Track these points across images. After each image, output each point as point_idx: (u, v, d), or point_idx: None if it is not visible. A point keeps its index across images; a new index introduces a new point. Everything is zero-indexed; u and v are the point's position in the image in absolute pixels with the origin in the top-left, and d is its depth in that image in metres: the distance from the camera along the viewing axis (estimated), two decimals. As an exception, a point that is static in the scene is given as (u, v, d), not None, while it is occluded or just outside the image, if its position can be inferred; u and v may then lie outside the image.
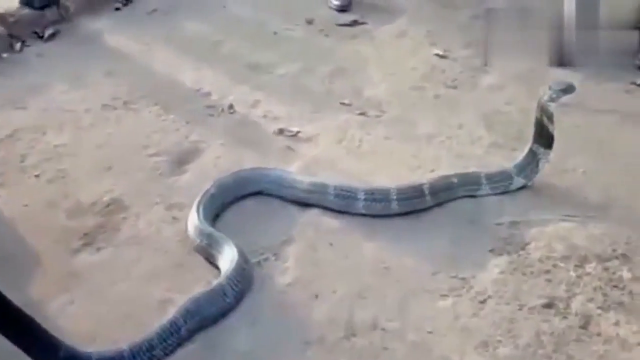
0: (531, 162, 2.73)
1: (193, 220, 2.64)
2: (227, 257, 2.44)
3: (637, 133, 3.01)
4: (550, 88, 2.68)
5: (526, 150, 2.74)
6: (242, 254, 2.45)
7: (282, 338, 2.18)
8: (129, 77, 3.80)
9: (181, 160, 3.11)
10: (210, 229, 2.58)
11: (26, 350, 1.99)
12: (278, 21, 4.34)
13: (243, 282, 2.36)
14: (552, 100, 2.66)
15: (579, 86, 3.35)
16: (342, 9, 4.33)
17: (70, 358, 2.07)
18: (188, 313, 2.23)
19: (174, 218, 2.75)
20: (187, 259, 2.55)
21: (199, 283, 2.42)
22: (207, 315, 2.25)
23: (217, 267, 2.47)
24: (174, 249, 2.61)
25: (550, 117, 2.69)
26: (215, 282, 2.36)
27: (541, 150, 2.72)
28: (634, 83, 3.34)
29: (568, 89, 2.69)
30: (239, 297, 2.33)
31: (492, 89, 3.43)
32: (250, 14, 4.48)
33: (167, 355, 2.17)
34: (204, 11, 4.51)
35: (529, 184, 2.72)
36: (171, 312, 2.24)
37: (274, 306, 2.31)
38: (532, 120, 2.73)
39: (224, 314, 2.29)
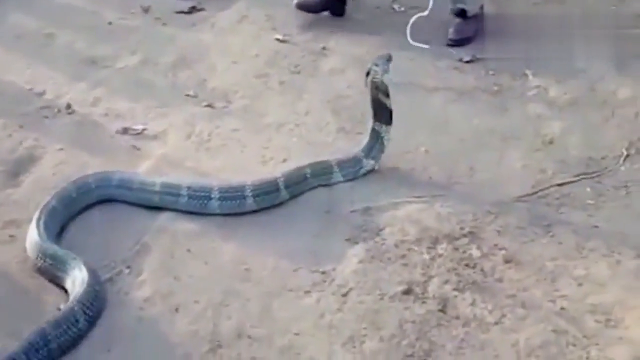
0: (376, 141, 2.59)
1: (33, 238, 2.24)
2: (76, 277, 2.08)
3: (468, 109, 2.94)
4: (375, 64, 2.56)
5: (369, 131, 2.60)
6: (92, 272, 2.10)
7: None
8: (-52, 78, 3.23)
9: (16, 170, 2.65)
10: (53, 247, 2.19)
11: None
12: (112, 10, 3.86)
13: (96, 303, 2.01)
14: (384, 72, 2.55)
15: (411, 64, 3.36)
16: None
17: None
18: (31, 346, 1.87)
19: (11, 236, 2.33)
20: (30, 283, 2.16)
21: (48, 309, 2.06)
22: (55, 347, 1.90)
23: (65, 290, 2.12)
24: (13, 272, 2.20)
25: (385, 92, 2.56)
26: (64, 308, 2.01)
27: (383, 127, 2.59)
28: (460, 60, 3.31)
29: (389, 58, 2.61)
30: (93, 322, 1.99)
31: (333, 73, 3.23)
32: (81, 3, 3.95)
33: None
34: (32, 2, 3.91)
35: (378, 163, 2.60)
36: (13, 347, 1.87)
37: (132, 326, 1.99)
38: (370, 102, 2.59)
39: (75, 342, 1.94)
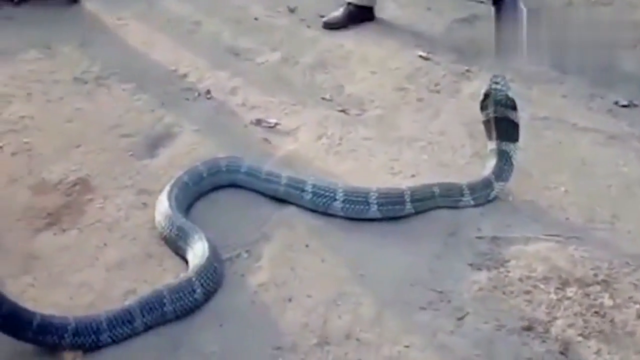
0: (505, 162, 2.64)
1: (163, 208, 2.46)
2: (198, 251, 2.27)
3: (617, 155, 2.92)
4: (495, 82, 2.65)
5: (495, 152, 2.65)
6: (213, 249, 2.28)
7: (251, 342, 2.02)
8: (103, 51, 3.56)
9: (154, 143, 2.92)
10: (180, 219, 2.40)
11: None
12: (259, 6, 4.15)
13: (214, 279, 2.19)
14: (508, 88, 2.64)
15: (562, 101, 3.37)
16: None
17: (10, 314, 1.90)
18: (146, 304, 2.06)
19: (144, 204, 2.56)
20: (155, 249, 2.37)
21: (168, 275, 2.25)
22: (169, 310, 2.08)
23: (186, 261, 2.31)
24: (142, 237, 2.42)
25: (513, 106, 2.63)
26: (182, 276, 2.19)
27: (511, 146, 2.64)
28: (616, 103, 3.28)
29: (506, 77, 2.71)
30: (208, 295, 2.16)
31: (475, 97, 3.29)
32: (231, -3, 4.32)
33: (115, 342, 2.01)
34: (184, -11, 4.32)
35: (508, 184, 2.63)
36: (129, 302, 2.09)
37: (245, 307, 2.15)
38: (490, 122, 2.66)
39: (189, 311, 2.12)
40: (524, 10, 3.73)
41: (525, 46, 3.69)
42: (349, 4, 3.98)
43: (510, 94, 2.64)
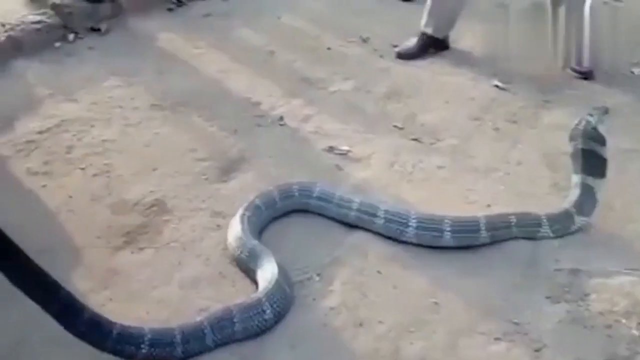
0: (588, 197, 2.64)
1: (235, 230, 2.57)
2: (267, 273, 2.36)
3: None
4: (590, 114, 2.67)
5: (579, 186, 2.65)
6: (283, 271, 2.37)
7: (322, 365, 2.10)
8: (179, 79, 3.77)
9: (228, 167, 3.06)
10: (252, 241, 2.50)
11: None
12: (333, 37, 4.30)
13: (283, 300, 2.28)
14: (599, 122, 2.65)
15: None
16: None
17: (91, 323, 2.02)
18: (217, 321, 2.16)
19: (218, 226, 2.69)
20: (228, 270, 2.48)
21: (240, 295, 2.35)
22: (239, 329, 2.17)
23: (256, 283, 2.40)
24: (216, 257, 2.54)
25: (601, 141, 2.64)
26: (252, 296, 2.29)
27: (596, 181, 2.64)
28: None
29: (606, 111, 2.71)
30: (279, 317, 2.25)
31: (554, 127, 3.32)
32: (305, 27, 4.46)
33: (186, 357, 2.10)
34: (258, 20, 4.50)
35: (591, 220, 2.64)
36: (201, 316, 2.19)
37: (316, 330, 2.22)
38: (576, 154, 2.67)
39: (259, 331, 2.21)
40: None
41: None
42: (423, 33, 4.08)
43: (601, 128, 2.65)
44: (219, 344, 2.16)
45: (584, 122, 2.68)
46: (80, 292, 2.17)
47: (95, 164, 2.97)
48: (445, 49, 4.10)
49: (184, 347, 2.11)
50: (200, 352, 2.14)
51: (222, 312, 2.20)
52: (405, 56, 4.04)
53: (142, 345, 2.06)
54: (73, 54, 3.89)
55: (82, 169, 2.94)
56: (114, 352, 2.06)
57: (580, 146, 2.67)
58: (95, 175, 2.91)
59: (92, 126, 3.22)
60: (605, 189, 2.65)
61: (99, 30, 4.23)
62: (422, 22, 4.06)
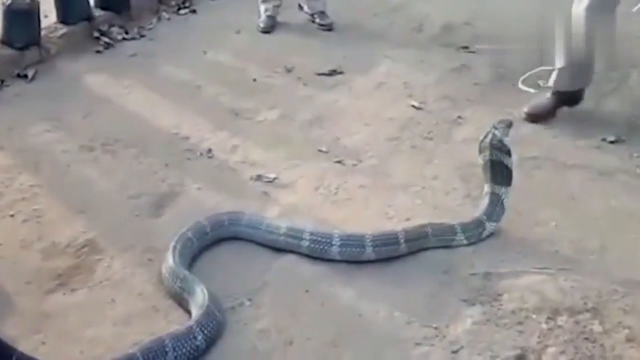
0: (497, 204, 2.82)
1: (168, 263, 2.64)
2: (199, 301, 2.43)
3: (606, 190, 3.09)
4: (496, 128, 2.86)
5: (488, 195, 2.83)
6: (213, 298, 2.44)
7: (255, 386, 2.18)
8: (108, 119, 3.82)
9: (159, 203, 3.12)
10: (184, 272, 2.57)
11: None
12: (258, 68, 4.41)
13: (214, 326, 2.34)
14: (503, 135, 2.84)
15: (552, 141, 3.54)
16: None
17: None
18: (149, 351, 2.21)
19: (150, 260, 2.75)
20: (161, 303, 2.54)
21: (173, 327, 2.39)
22: (172, 358, 2.22)
23: (189, 312, 2.46)
24: (148, 292, 2.59)
25: (507, 152, 2.82)
26: (184, 325, 2.34)
27: (503, 189, 2.82)
28: (604, 139, 3.45)
29: (510, 124, 2.91)
30: (210, 342, 2.31)
31: (467, 142, 3.50)
32: (230, 61, 4.56)
33: None
34: (184, 57, 4.57)
35: (500, 225, 2.80)
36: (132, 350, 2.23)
37: (247, 354, 2.30)
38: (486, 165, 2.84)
39: (192, 357, 2.26)
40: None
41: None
42: (556, 92, 3.66)
43: (507, 140, 2.84)
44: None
45: (490, 136, 2.87)
46: (11, 338, 2.19)
47: (25, 209, 2.99)
48: (577, 103, 3.68)
49: None
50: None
51: (154, 341, 2.26)
52: (536, 117, 3.63)
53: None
54: (-1, 101, 3.91)
55: (11, 215, 2.96)
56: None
57: (487, 157, 2.85)
58: (24, 221, 2.93)
59: (20, 173, 3.24)
60: (511, 195, 2.83)
61: (25, 76, 4.25)
62: (552, 79, 3.66)
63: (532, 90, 3.77)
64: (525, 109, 3.64)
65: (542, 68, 3.80)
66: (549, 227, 2.85)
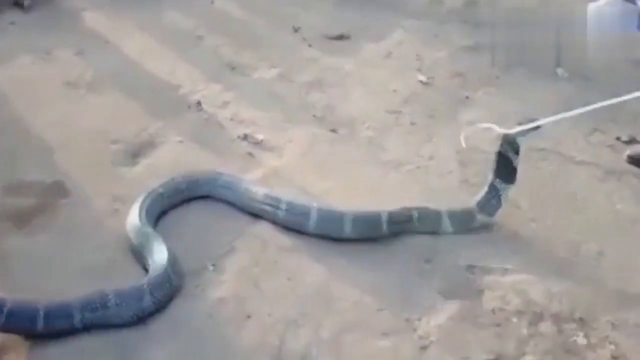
0: (493, 197, 2.58)
1: (132, 217, 2.45)
2: (156, 261, 2.25)
3: (613, 191, 2.84)
4: (520, 124, 2.60)
5: (487, 185, 2.60)
6: (172, 259, 2.25)
7: (202, 358, 1.98)
8: (100, 59, 3.60)
9: (137, 151, 2.92)
10: (147, 229, 2.38)
11: None
12: (264, 24, 4.17)
13: (166, 289, 2.15)
14: (522, 134, 2.57)
15: (566, 134, 3.30)
16: None
17: None
18: (89, 304, 2.05)
19: (116, 210, 2.56)
20: (121, 257, 2.35)
21: (129, 283, 2.20)
22: (112, 314, 2.05)
23: (146, 270, 2.27)
24: (110, 244, 2.41)
25: (517, 151, 2.58)
26: (135, 284, 2.15)
27: (503, 185, 2.59)
28: (618, 138, 3.20)
29: (537, 127, 2.62)
30: (159, 305, 2.12)
31: (472, 125, 3.24)
32: (237, 13, 4.31)
33: (50, 333, 2.01)
34: (190, 3, 4.33)
35: (493, 220, 2.58)
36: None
37: (201, 321, 2.10)
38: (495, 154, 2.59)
39: (136, 319, 2.08)
40: None
41: None
42: None
43: (521, 141, 2.57)
44: (89, 326, 2.04)
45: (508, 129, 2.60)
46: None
47: (-2, 141, 2.82)
48: None
49: (46, 322, 2.00)
50: (65, 330, 2.02)
51: (97, 294, 2.08)
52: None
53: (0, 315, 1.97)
54: (-9, 28, 3.71)
55: (-20, 146, 2.78)
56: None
57: (498, 148, 2.61)
58: (-5, 153, 2.76)
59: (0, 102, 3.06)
60: (511, 193, 2.58)
61: (22, 5, 4.04)
62: None
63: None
64: (629, 152, 3.13)
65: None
66: (544, 225, 2.61)
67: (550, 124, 2.57)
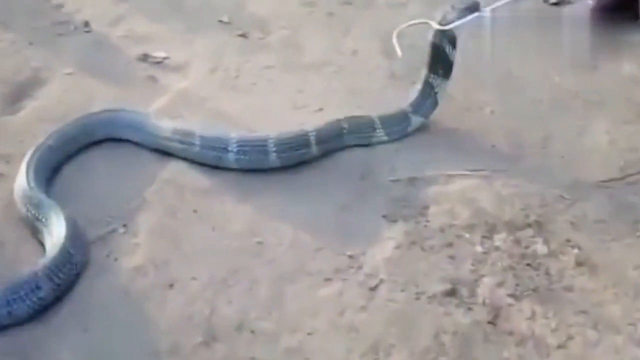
0: (428, 96, 2.13)
1: (20, 182, 1.89)
2: (54, 236, 1.73)
3: (545, 63, 2.42)
4: (453, 8, 2.09)
5: (421, 82, 2.13)
6: (72, 231, 1.72)
7: (122, 347, 1.53)
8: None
9: (18, 94, 2.31)
10: (39, 195, 1.83)
11: None
12: None
13: (67, 271, 1.65)
14: (458, 19, 2.07)
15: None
16: None
17: None
18: None
19: (1, 174, 2.00)
20: (9, 234, 1.82)
21: (22, 266, 1.70)
22: (4, 314, 1.58)
23: (43, 245, 1.77)
24: (-4, 216, 1.89)
25: (453, 42, 2.10)
26: (27, 270, 1.65)
27: (439, 80, 2.13)
28: (546, 1, 2.74)
29: (473, 7, 2.10)
30: (61, 292, 1.64)
31: (392, 6, 2.73)
32: None
33: None
34: None
35: (427, 121, 2.16)
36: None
37: (116, 301, 1.63)
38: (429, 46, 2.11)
39: (35, 314, 1.60)
40: None
41: None
42: None
43: (457, 25, 2.07)
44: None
45: (441, 14, 2.09)
46: None
47: None
48: None
49: None
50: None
51: None
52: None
53: None
54: None
55: None
56: None
57: (431, 39, 2.11)
58: None
59: None
60: (447, 90, 2.14)
61: None
62: None
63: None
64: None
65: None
66: (483, 114, 2.19)
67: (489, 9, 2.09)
